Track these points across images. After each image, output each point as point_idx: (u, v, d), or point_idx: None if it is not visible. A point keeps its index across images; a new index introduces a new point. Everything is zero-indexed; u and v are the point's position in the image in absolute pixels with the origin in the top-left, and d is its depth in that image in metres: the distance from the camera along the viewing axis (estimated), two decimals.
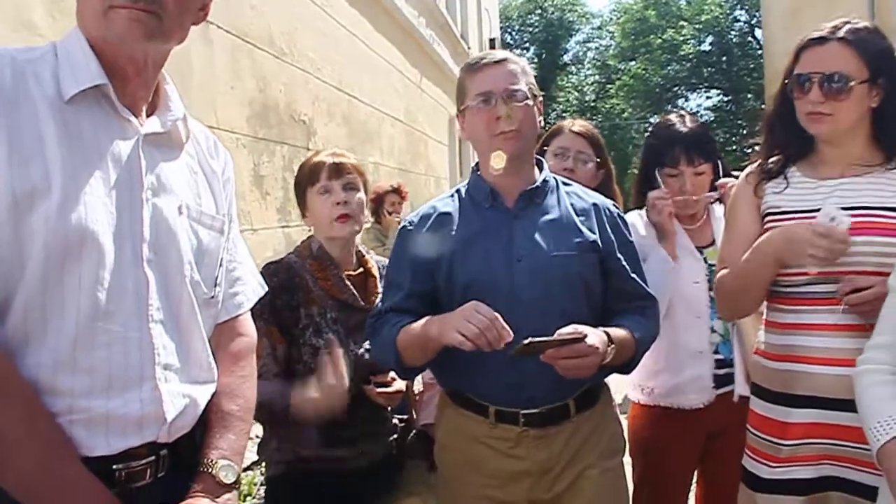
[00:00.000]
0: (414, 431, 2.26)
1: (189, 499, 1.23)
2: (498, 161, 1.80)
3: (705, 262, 2.31)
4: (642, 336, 1.81)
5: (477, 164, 1.94)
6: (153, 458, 1.20)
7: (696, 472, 2.43)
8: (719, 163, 2.36)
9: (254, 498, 3.62)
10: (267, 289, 1.59)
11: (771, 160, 1.92)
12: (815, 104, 1.75)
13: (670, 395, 2.30)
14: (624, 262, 1.86)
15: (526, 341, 1.53)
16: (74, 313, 1.11)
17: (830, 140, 1.82)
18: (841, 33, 1.76)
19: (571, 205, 1.88)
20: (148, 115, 1.29)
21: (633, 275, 1.88)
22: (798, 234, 1.69)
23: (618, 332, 1.74)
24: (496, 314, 1.57)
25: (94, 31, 1.20)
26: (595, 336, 1.63)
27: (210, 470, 1.26)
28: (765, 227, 1.87)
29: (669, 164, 2.30)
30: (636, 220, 2.37)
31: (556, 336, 1.59)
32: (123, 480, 1.16)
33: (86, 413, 1.12)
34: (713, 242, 2.35)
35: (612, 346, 1.69)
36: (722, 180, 2.32)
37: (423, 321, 1.72)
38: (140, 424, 1.17)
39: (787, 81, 1.84)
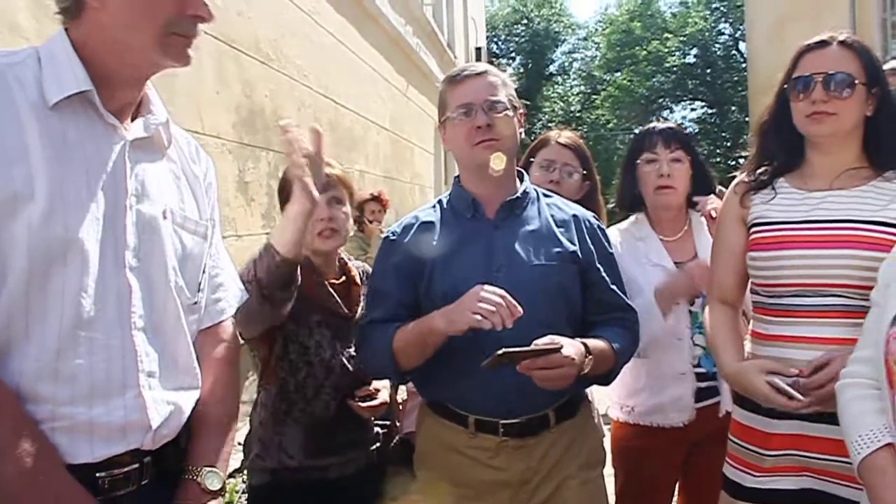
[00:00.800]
0: (397, 439, 2.26)
1: None
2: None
3: None
4: (621, 347, 1.82)
5: (458, 175, 1.95)
6: (137, 465, 1.20)
7: (677, 484, 2.43)
8: (697, 157, 2.38)
9: None
10: (248, 294, 1.58)
11: (759, 170, 1.94)
12: (819, 103, 1.76)
13: (651, 413, 2.28)
14: (603, 273, 1.87)
15: (500, 352, 1.52)
16: (57, 321, 1.11)
17: (826, 146, 1.83)
18: (841, 38, 1.80)
19: (552, 216, 1.89)
20: (132, 120, 1.29)
21: (613, 286, 1.88)
22: (753, 387, 1.73)
23: (596, 344, 1.74)
24: (503, 291, 1.58)
25: (140, 43, 1.20)
26: (571, 347, 1.63)
27: (195, 477, 1.26)
28: (751, 237, 1.88)
29: (648, 149, 2.35)
30: (613, 235, 2.36)
31: (531, 346, 1.58)
32: (107, 488, 1.16)
33: (68, 421, 1.12)
34: (695, 257, 2.30)
35: (590, 357, 1.69)
36: (699, 197, 2.33)
37: (418, 321, 1.72)
38: (124, 432, 1.17)
39: (785, 87, 1.86)
